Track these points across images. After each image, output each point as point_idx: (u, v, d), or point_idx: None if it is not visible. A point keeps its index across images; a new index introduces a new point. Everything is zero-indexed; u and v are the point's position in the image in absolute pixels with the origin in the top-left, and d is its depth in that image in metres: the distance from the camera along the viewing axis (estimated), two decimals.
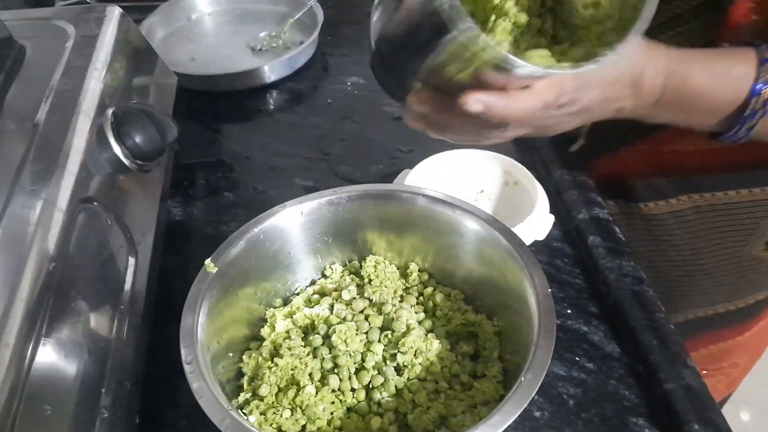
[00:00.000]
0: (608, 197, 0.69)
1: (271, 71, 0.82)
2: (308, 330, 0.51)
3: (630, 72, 0.46)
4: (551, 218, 0.61)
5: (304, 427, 0.45)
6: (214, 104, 0.81)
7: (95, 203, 0.49)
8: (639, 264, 0.58)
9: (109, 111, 0.53)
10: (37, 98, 0.52)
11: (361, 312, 0.50)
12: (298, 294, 0.54)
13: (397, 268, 0.55)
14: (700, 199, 0.64)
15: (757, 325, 0.77)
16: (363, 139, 0.75)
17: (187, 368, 0.41)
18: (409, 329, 0.48)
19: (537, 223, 0.59)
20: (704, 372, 0.81)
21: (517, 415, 0.38)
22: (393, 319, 0.49)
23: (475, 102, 0.40)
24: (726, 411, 0.51)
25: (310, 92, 0.83)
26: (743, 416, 1.53)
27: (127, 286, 0.49)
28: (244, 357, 0.49)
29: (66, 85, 0.53)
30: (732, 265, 0.68)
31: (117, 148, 0.52)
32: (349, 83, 0.83)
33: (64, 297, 0.42)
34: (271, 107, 0.81)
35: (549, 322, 0.43)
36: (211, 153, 0.74)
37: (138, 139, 0.53)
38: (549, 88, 0.42)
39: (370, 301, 0.51)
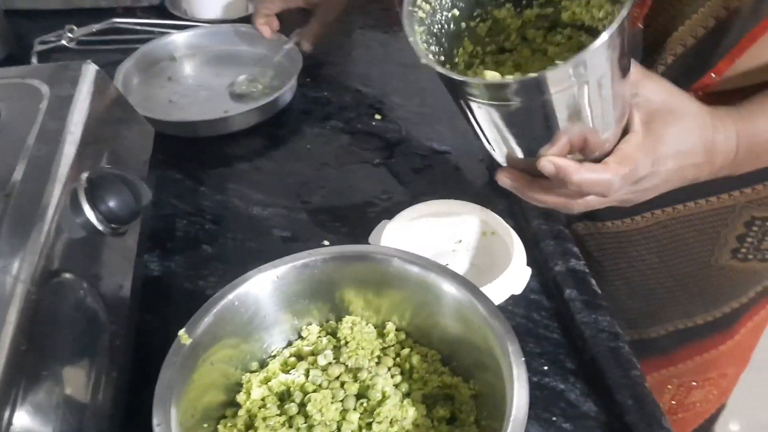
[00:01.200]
0: (576, 219, 0.71)
1: (251, 117, 0.83)
2: (284, 396, 0.50)
3: (701, 141, 0.49)
4: (528, 271, 0.61)
5: None
6: (193, 150, 0.81)
7: (68, 273, 0.49)
8: (615, 284, 0.60)
9: (84, 176, 0.53)
10: (10, 165, 0.52)
11: (337, 378, 0.50)
12: (274, 356, 0.54)
13: (375, 327, 0.55)
14: (662, 214, 0.67)
15: (738, 333, 0.78)
16: (343, 186, 0.75)
17: None
18: (384, 397, 0.48)
19: (514, 277, 0.60)
20: (694, 383, 0.82)
21: None
22: (369, 386, 0.49)
23: (547, 163, 0.44)
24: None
25: (289, 137, 0.83)
26: (732, 427, 1.54)
27: (103, 352, 0.49)
28: (219, 427, 0.48)
29: (40, 151, 0.53)
30: (703, 276, 0.71)
31: (91, 214, 0.52)
32: (328, 127, 0.84)
33: (36, 376, 0.42)
34: (251, 153, 0.81)
35: (523, 388, 0.43)
36: (189, 202, 0.74)
37: (112, 203, 0.53)
38: (622, 162, 0.45)
39: (346, 366, 0.51)
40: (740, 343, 0.80)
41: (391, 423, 0.47)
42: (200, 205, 0.74)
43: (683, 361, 0.80)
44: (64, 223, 0.50)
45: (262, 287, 0.52)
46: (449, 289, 0.50)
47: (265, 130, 0.84)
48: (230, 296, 0.50)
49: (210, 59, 0.96)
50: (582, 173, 0.44)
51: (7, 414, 0.38)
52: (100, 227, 0.53)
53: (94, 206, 0.52)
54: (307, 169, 0.78)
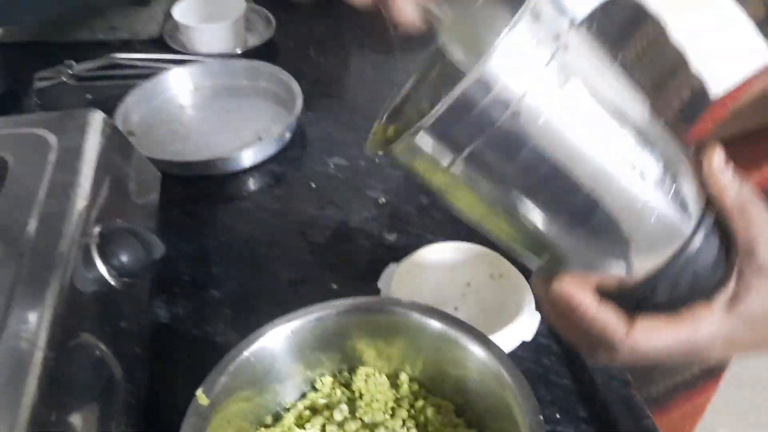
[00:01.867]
0: None
1: (252, 155, 0.83)
2: None
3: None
4: (537, 316, 0.61)
5: None
6: (194, 189, 0.81)
7: (83, 333, 0.48)
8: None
9: (95, 230, 0.53)
10: (22, 220, 0.51)
11: None
12: (288, 409, 0.54)
13: (387, 377, 0.55)
14: None
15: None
16: (348, 228, 0.75)
17: None
18: None
19: (524, 323, 0.60)
20: None
21: None
22: None
23: (558, 284, 0.37)
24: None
25: (292, 175, 0.83)
26: None
27: (119, 410, 0.49)
28: None
29: (51, 206, 0.53)
30: None
31: (104, 269, 0.52)
32: (332, 165, 0.84)
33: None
34: (254, 192, 0.81)
35: None
36: (194, 244, 0.74)
37: (124, 258, 0.53)
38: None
39: (363, 421, 0.51)
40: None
41: None
42: (205, 247, 0.73)
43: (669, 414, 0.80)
44: (77, 280, 0.49)
45: (276, 341, 0.52)
46: (467, 344, 0.51)
47: (266, 168, 0.84)
48: (246, 352, 0.50)
49: (209, 94, 0.96)
50: (598, 317, 0.35)
51: None
52: (112, 282, 0.53)
53: (106, 261, 0.52)
54: (311, 208, 0.78)
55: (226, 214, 0.78)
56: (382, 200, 0.78)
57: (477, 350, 0.50)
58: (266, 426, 0.52)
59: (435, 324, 0.52)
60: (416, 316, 0.52)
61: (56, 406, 0.43)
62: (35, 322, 0.44)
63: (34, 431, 0.40)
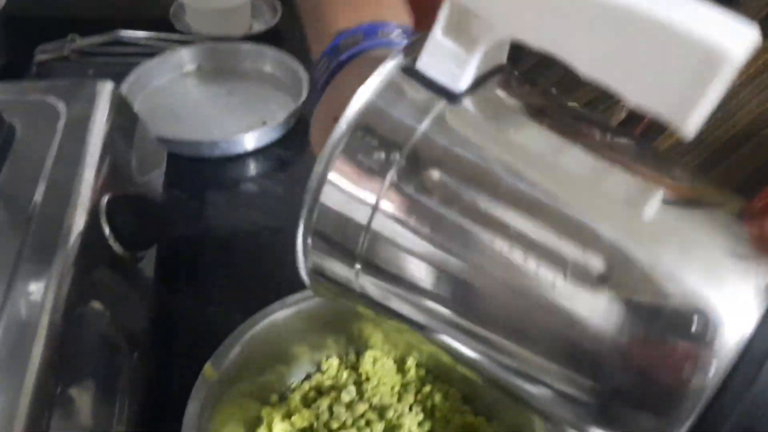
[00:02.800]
0: None
1: (256, 139, 0.82)
2: None
3: None
4: None
5: None
6: (196, 170, 0.80)
7: (90, 301, 0.47)
8: None
9: (104, 200, 0.52)
10: (29, 187, 0.50)
11: (362, 416, 0.49)
12: (294, 390, 0.53)
13: (394, 362, 0.54)
14: None
15: None
16: None
17: None
18: None
19: None
20: None
21: None
22: (395, 426, 0.48)
23: None
24: None
25: (296, 159, 0.82)
26: None
27: (125, 383, 0.48)
28: None
29: (59, 174, 0.51)
30: None
31: (112, 239, 0.51)
32: None
33: (62, 408, 0.40)
34: (257, 175, 0.80)
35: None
36: (197, 227, 0.72)
37: (133, 229, 0.52)
38: None
39: (371, 404, 0.50)
40: None
41: None
42: (208, 229, 0.72)
43: None
44: (84, 249, 0.48)
45: (284, 320, 0.51)
46: None
47: (271, 153, 0.83)
48: (254, 329, 0.50)
49: (213, 76, 0.95)
50: None
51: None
52: (120, 253, 0.51)
53: (114, 231, 0.51)
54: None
55: (231, 197, 0.77)
56: None
57: None
58: (272, 405, 0.52)
59: None
60: None
61: (62, 374, 0.41)
62: (42, 289, 0.43)
63: (40, 399, 0.39)
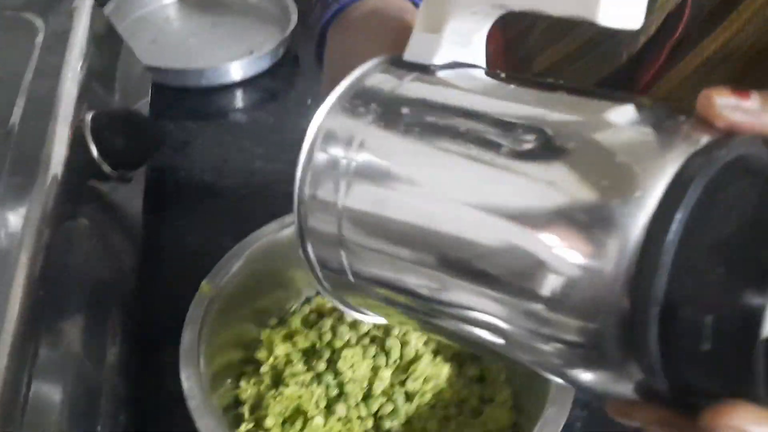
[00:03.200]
0: None
1: (244, 68, 0.78)
2: (309, 353, 0.48)
3: None
4: None
5: None
6: (183, 101, 0.77)
7: (78, 218, 0.45)
8: None
9: (88, 116, 0.49)
10: (8, 101, 0.47)
11: (366, 335, 0.48)
12: (293, 313, 0.51)
13: None
14: None
15: None
16: None
17: (191, 404, 0.38)
18: (418, 354, 0.46)
19: None
20: None
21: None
22: (401, 343, 0.46)
23: None
24: None
25: (286, 91, 0.80)
26: None
27: (116, 307, 0.45)
28: (241, 383, 0.46)
29: (39, 88, 0.48)
30: None
31: (97, 157, 0.48)
32: None
33: (53, 321, 0.38)
34: (247, 106, 0.78)
35: None
36: (185, 155, 0.70)
37: (120, 146, 0.49)
38: None
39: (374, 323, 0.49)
40: None
41: (425, 380, 0.45)
42: (196, 157, 0.70)
43: None
44: (69, 164, 0.46)
45: (283, 238, 0.49)
46: None
47: (259, 83, 0.80)
48: (253, 247, 0.48)
49: (197, 7, 0.90)
50: None
51: (28, 363, 0.35)
52: (107, 171, 0.49)
53: (101, 147, 0.48)
54: (308, 124, 0.74)
55: (220, 127, 0.74)
56: None
57: None
58: (271, 328, 0.50)
59: None
60: None
61: (52, 283, 0.39)
62: (28, 198, 0.41)
63: (32, 307, 0.37)
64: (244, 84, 0.79)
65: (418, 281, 0.26)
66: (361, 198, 0.26)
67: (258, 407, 0.44)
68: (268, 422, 0.42)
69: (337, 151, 0.27)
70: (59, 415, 0.36)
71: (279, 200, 0.64)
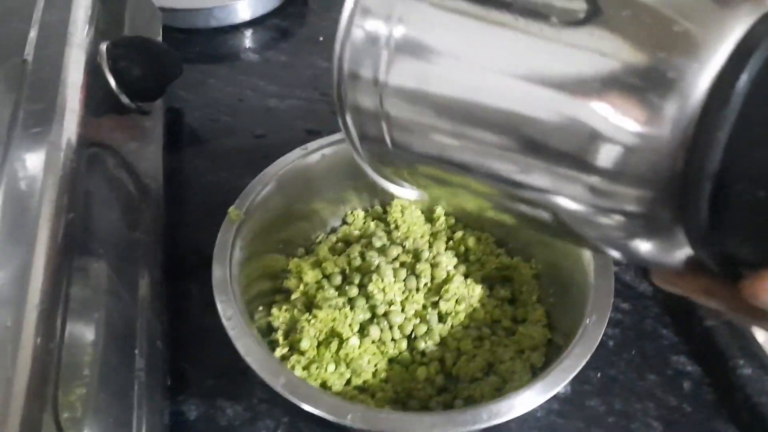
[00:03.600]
0: None
1: (252, 7, 0.77)
2: (339, 279, 0.47)
3: None
4: None
5: (348, 380, 0.42)
6: (195, 43, 0.75)
7: (100, 146, 0.44)
8: None
9: (103, 45, 0.48)
10: (21, 31, 0.46)
11: (395, 259, 0.47)
12: (319, 243, 0.51)
13: (422, 212, 0.52)
14: None
15: None
16: None
17: (227, 324, 0.38)
18: (449, 276, 0.46)
19: None
20: None
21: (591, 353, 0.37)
22: (432, 265, 0.46)
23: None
24: None
25: (296, 29, 0.78)
26: None
27: (144, 236, 0.45)
28: (273, 310, 0.45)
29: (51, 16, 0.47)
30: None
31: (115, 87, 0.47)
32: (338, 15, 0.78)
33: (85, 251, 0.38)
34: (258, 45, 0.76)
35: (604, 260, 0.42)
36: (199, 95, 0.68)
37: (137, 75, 0.48)
38: None
39: (403, 247, 0.48)
40: None
41: (457, 301, 0.45)
42: (210, 97, 0.68)
43: None
44: (88, 92, 0.45)
45: (308, 166, 0.48)
46: None
47: (270, 22, 0.78)
48: (279, 174, 0.47)
49: None
50: None
51: (61, 300, 0.34)
52: (125, 102, 0.48)
53: (118, 78, 0.47)
54: (321, 61, 0.73)
55: (232, 67, 0.73)
56: None
57: None
58: (299, 257, 0.49)
59: None
60: None
61: (82, 208, 0.38)
62: (52, 122, 0.40)
63: (67, 229, 0.36)
64: (253, 24, 0.77)
65: (465, 156, 0.25)
66: (403, 73, 0.25)
67: (292, 332, 0.44)
68: (304, 345, 0.42)
69: (375, 26, 0.26)
70: (97, 343, 0.36)
71: (295, 136, 0.64)
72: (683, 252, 0.22)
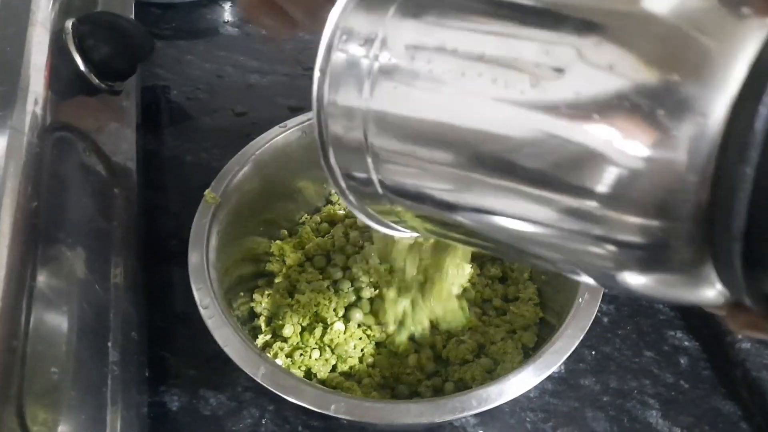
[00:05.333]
0: None
1: None
2: (323, 261, 0.46)
3: None
4: None
5: (334, 367, 0.41)
6: (172, 18, 0.72)
7: (68, 130, 0.42)
8: None
9: (69, 22, 0.45)
10: None
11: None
12: (302, 223, 0.49)
13: None
14: None
15: None
16: None
17: (204, 313, 0.36)
18: None
19: None
20: None
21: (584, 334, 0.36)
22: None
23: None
24: None
25: None
26: None
27: (117, 223, 0.43)
28: (255, 296, 0.44)
29: None
30: None
31: (82, 66, 0.45)
32: None
33: (51, 239, 0.36)
34: (238, 19, 0.73)
35: None
36: (177, 73, 0.66)
37: (106, 54, 0.46)
38: None
39: None
40: None
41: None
42: (189, 74, 0.66)
43: None
44: (53, 73, 0.42)
45: (288, 144, 0.46)
46: None
47: None
48: (256, 153, 0.45)
49: None
50: None
51: (25, 291, 0.32)
52: (94, 82, 0.46)
53: (85, 57, 0.45)
54: (303, 34, 0.70)
55: (211, 42, 0.70)
56: None
57: None
58: (282, 239, 0.48)
59: None
60: None
61: (46, 196, 0.37)
62: (13, 107, 0.38)
63: (28, 219, 0.34)
64: None
65: (453, 186, 0.23)
66: (388, 99, 0.23)
67: (274, 318, 0.42)
68: (287, 331, 0.40)
69: (357, 50, 0.24)
70: (67, 337, 0.34)
71: (278, 113, 0.62)
72: (710, 286, 0.19)
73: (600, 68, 0.19)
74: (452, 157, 0.22)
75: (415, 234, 0.30)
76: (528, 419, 0.43)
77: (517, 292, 0.45)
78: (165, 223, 0.52)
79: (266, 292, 0.43)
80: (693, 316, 0.47)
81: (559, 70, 0.19)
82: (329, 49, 0.25)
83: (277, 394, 0.34)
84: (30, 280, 0.33)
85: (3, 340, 0.29)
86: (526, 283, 0.45)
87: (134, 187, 0.47)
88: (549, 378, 0.37)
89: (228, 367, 0.44)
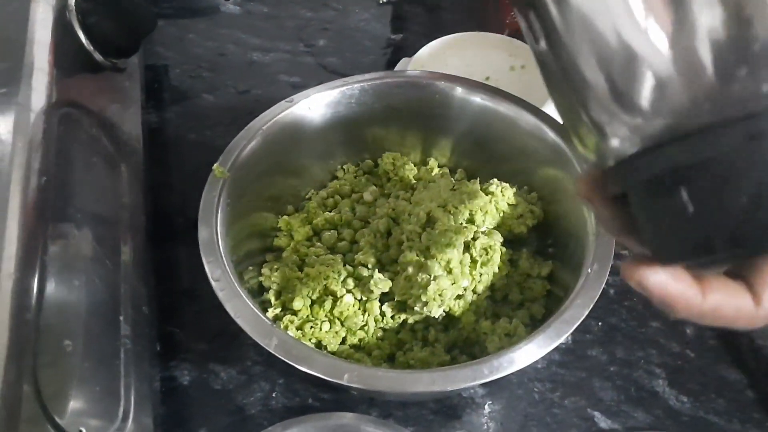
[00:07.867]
0: None
1: None
2: (333, 236, 0.46)
3: None
4: None
5: (344, 339, 0.41)
6: None
7: (74, 107, 0.42)
8: None
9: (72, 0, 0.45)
10: None
11: (387, 214, 0.46)
12: (309, 199, 0.49)
13: (414, 165, 0.50)
14: None
15: None
16: (348, 28, 0.68)
17: (215, 285, 0.36)
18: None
19: (552, 113, 0.55)
20: None
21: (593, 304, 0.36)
22: (431, 219, 0.44)
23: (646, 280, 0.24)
24: None
25: None
26: None
27: (125, 199, 0.43)
28: (264, 270, 0.44)
29: None
30: None
31: (86, 42, 0.45)
32: None
33: (61, 215, 0.36)
34: None
35: None
36: (178, 50, 0.66)
37: (109, 30, 0.46)
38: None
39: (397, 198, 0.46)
40: None
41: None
42: (191, 53, 0.66)
43: None
44: (57, 51, 0.42)
45: (295, 119, 0.46)
46: (506, 110, 0.46)
47: None
48: (263, 128, 0.44)
49: None
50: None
51: (39, 254, 0.33)
52: (97, 59, 0.45)
53: (88, 34, 0.45)
54: (305, 11, 0.70)
55: (212, 20, 0.70)
56: (383, 0, 0.70)
57: (513, 114, 0.45)
58: (289, 214, 0.48)
59: (482, 100, 0.46)
60: (462, 92, 0.47)
61: (55, 172, 0.37)
62: (19, 82, 0.37)
63: (39, 194, 0.34)
64: None
65: None
66: None
67: (284, 292, 0.42)
68: (297, 304, 0.41)
69: None
70: (79, 310, 0.35)
71: (280, 90, 0.62)
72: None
73: None
74: None
75: None
76: (536, 389, 0.44)
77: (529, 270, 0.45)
78: (170, 201, 0.52)
79: (275, 267, 0.44)
80: None
81: None
82: None
83: (286, 368, 0.34)
84: (41, 253, 0.33)
85: (16, 313, 0.29)
86: (533, 255, 0.45)
87: (140, 165, 0.47)
88: (556, 349, 0.37)
89: (237, 342, 0.44)
